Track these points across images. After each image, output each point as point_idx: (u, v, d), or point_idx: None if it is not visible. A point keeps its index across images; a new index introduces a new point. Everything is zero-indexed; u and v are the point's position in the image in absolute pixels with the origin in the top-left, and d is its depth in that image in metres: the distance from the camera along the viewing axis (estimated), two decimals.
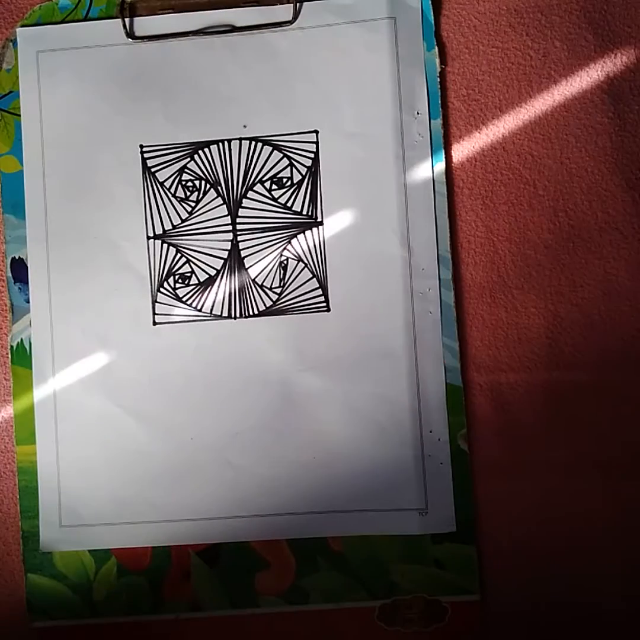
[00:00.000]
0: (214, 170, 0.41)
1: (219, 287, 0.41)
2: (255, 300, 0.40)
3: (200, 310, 0.41)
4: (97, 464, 0.40)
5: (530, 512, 0.40)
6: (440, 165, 0.40)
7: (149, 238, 0.41)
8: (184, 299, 0.41)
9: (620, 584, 0.40)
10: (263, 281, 0.40)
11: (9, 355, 0.41)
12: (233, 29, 0.40)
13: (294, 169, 0.40)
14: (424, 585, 0.40)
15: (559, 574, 0.40)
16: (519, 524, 0.40)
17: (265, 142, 0.40)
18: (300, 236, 0.40)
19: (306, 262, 0.40)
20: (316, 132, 0.40)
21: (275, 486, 0.40)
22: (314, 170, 0.40)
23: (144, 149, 0.41)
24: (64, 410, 0.40)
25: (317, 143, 0.40)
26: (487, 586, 0.40)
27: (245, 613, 0.40)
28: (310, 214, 0.40)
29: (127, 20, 0.41)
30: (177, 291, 0.41)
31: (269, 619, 0.40)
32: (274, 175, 0.41)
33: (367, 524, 0.39)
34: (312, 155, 0.40)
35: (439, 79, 0.40)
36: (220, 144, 0.41)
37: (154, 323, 0.41)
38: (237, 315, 0.40)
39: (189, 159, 0.41)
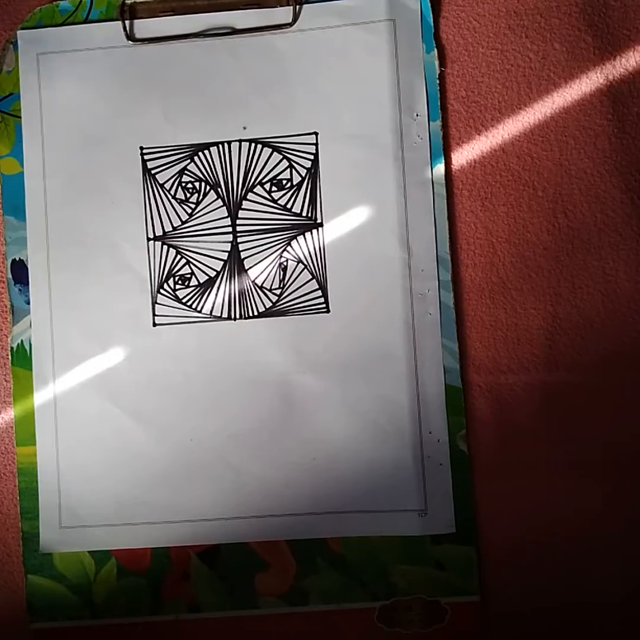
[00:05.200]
0: (214, 172, 0.41)
1: (218, 288, 0.41)
2: (255, 302, 0.41)
3: (200, 312, 0.41)
4: (97, 465, 0.40)
5: (530, 513, 0.40)
6: (440, 167, 0.40)
7: (149, 239, 0.41)
8: (184, 300, 0.41)
9: (620, 584, 0.40)
10: (263, 283, 0.41)
11: (9, 357, 0.41)
12: (233, 31, 0.41)
13: (293, 171, 0.40)
14: (424, 586, 0.40)
15: (558, 575, 0.40)
16: (519, 525, 0.40)
17: (265, 144, 0.41)
18: (300, 238, 0.40)
19: (306, 263, 0.40)
20: (316, 133, 0.40)
21: (275, 487, 0.40)
22: (313, 172, 0.40)
23: (144, 151, 0.41)
24: (64, 412, 0.40)
25: (316, 145, 0.40)
26: (487, 587, 0.40)
27: (245, 614, 0.40)
28: (309, 215, 0.40)
29: (127, 22, 0.41)
30: (177, 292, 0.41)
31: (268, 620, 0.40)
32: (274, 177, 0.41)
33: (366, 525, 0.40)
34: (311, 157, 0.40)
35: (438, 81, 0.40)
36: (220, 146, 0.41)
37: (154, 324, 0.41)
38: (237, 316, 0.41)
39: (189, 161, 0.41)
